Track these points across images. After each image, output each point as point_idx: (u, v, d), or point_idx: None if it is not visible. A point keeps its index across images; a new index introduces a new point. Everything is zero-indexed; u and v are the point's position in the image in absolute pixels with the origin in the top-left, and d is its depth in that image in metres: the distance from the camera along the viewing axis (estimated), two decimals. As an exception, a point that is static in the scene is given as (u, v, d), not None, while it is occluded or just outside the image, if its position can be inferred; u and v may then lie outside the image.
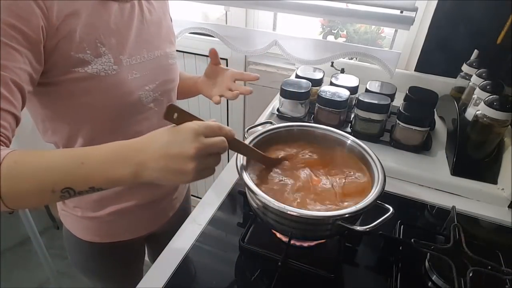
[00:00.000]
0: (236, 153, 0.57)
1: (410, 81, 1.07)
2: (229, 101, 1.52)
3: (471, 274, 0.52)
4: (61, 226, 0.77)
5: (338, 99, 0.86)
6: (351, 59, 1.24)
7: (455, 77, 1.00)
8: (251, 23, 1.38)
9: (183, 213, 0.87)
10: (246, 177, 0.55)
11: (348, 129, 0.91)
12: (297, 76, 1.02)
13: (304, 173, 0.61)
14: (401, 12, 1.02)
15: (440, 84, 1.05)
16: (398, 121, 0.83)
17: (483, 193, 0.75)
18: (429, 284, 0.57)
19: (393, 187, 0.77)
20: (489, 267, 0.54)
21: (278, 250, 0.58)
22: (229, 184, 0.77)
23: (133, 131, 0.64)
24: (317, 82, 0.99)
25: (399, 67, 1.15)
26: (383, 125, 0.88)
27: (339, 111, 0.88)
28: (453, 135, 0.83)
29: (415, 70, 1.15)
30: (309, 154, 0.66)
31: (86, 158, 0.41)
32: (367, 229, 0.48)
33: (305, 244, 0.62)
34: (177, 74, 0.73)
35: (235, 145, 0.50)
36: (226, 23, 1.43)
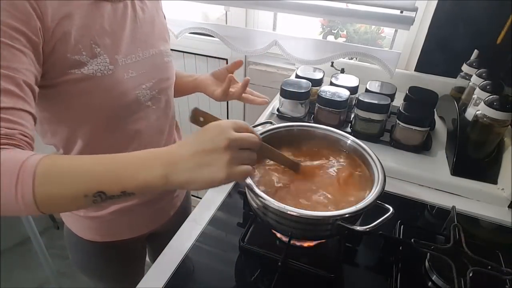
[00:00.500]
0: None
1: (410, 81, 1.07)
2: (229, 101, 1.51)
3: (471, 274, 0.52)
4: (61, 226, 0.77)
5: (338, 99, 0.86)
6: (351, 59, 1.24)
7: (455, 77, 1.00)
8: (251, 23, 1.38)
9: (184, 212, 0.88)
10: (246, 177, 0.54)
11: (348, 129, 0.91)
12: (297, 76, 1.02)
13: (304, 173, 0.61)
14: (401, 12, 1.02)
15: (440, 84, 1.05)
16: (398, 121, 0.83)
17: (483, 193, 0.76)
18: (429, 284, 0.57)
19: (393, 187, 0.77)
20: (489, 267, 0.54)
21: (278, 250, 0.58)
22: (229, 184, 0.76)
23: (132, 129, 0.64)
24: (317, 82, 1.00)
25: (399, 67, 1.15)
26: (383, 125, 0.88)
27: (339, 111, 0.88)
28: (453, 135, 0.83)
29: (415, 70, 1.15)
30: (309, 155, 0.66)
31: (116, 161, 0.42)
32: (367, 229, 0.48)
33: (305, 244, 0.62)
34: (173, 72, 0.74)
35: (261, 148, 0.49)
36: (226, 23, 1.43)
